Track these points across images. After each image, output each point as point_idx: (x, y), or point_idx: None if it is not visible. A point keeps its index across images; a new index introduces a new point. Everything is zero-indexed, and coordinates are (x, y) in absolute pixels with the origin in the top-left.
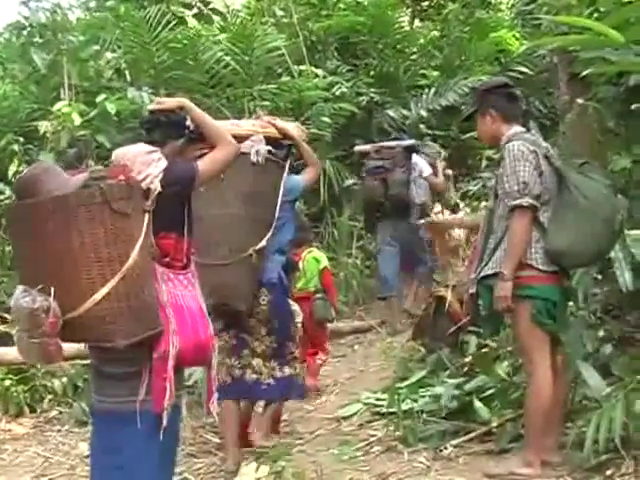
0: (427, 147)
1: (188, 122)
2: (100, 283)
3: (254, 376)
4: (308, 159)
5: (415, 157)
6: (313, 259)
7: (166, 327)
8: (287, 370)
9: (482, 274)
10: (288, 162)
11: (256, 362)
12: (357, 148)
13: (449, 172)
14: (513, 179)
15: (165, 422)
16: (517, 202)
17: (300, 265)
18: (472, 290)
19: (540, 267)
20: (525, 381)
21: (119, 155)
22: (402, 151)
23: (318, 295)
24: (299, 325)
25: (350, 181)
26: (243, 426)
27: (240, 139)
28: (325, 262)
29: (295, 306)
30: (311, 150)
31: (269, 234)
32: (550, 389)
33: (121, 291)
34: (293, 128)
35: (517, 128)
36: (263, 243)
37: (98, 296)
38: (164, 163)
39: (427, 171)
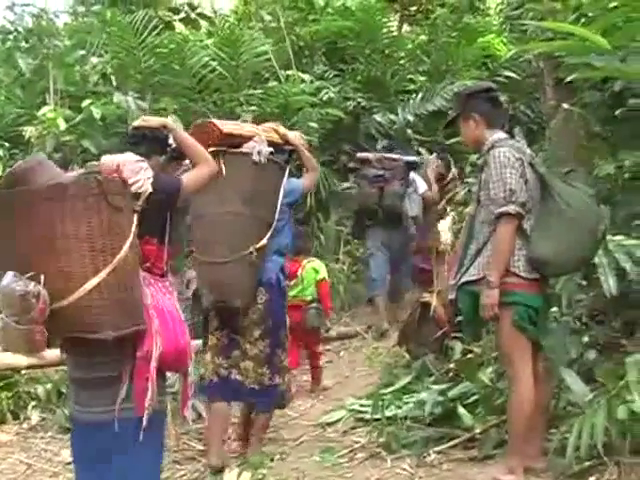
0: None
1: (170, 141)
2: (92, 273)
3: (239, 377)
4: (308, 164)
5: (412, 174)
6: (312, 269)
7: (149, 327)
8: (276, 379)
9: (463, 280)
10: (289, 166)
11: (245, 365)
12: (359, 155)
13: (454, 171)
14: (499, 186)
15: (145, 422)
16: (503, 209)
17: (299, 273)
18: (452, 296)
19: (522, 274)
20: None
21: (107, 162)
22: (403, 165)
23: (313, 305)
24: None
25: (345, 184)
26: (244, 427)
27: (243, 140)
28: (324, 273)
29: None
30: (311, 156)
31: (269, 234)
32: (532, 395)
33: (112, 282)
34: (294, 136)
35: (501, 134)
36: (263, 242)
37: (89, 286)
38: (150, 172)
39: (422, 188)
